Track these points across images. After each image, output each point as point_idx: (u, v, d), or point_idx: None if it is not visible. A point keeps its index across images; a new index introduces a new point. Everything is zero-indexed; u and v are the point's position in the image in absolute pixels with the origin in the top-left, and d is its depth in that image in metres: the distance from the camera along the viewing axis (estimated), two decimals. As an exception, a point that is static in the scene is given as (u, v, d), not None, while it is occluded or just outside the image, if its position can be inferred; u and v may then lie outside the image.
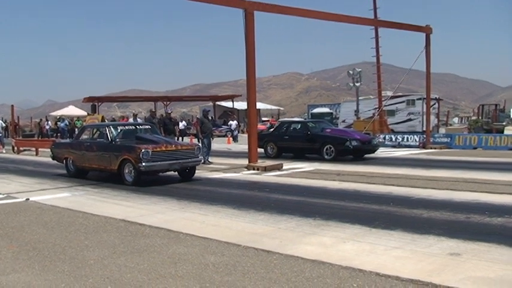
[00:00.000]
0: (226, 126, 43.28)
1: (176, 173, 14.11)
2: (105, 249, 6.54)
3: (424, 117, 31.61)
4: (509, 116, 37.19)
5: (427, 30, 24.83)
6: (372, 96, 38.49)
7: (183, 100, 70.92)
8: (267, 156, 20.25)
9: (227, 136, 38.15)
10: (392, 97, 34.72)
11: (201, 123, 18.98)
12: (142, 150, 12.47)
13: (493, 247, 6.13)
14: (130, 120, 22.25)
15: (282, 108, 78.91)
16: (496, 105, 39.28)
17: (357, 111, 35.03)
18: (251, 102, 16.93)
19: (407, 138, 26.87)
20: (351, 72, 34.37)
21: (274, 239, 6.90)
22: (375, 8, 30.74)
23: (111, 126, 14.30)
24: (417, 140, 26.27)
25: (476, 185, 11.45)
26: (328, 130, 20.15)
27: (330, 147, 18.56)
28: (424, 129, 30.42)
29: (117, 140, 13.73)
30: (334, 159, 18.16)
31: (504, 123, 32.22)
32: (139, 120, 22.22)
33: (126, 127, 14.86)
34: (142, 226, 7.94)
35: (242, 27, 16.56)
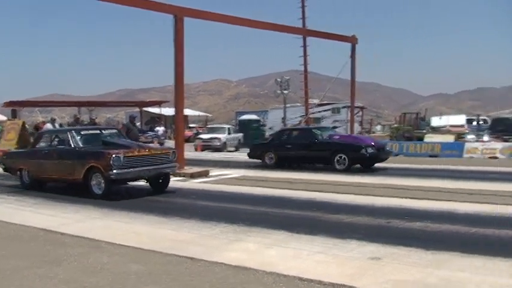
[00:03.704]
0: (152, 132, 42.57)
1: (144, 182, 12.74)
2: (23, 259, 6.29)
3: (349, 124, 32.48)
4: (430, 124, 38.79)
5: (352, 40, 25.55)
6: (299, 104, 39.13)
7: (108, 105, 69.35)
8: (264, 166, 18.64)
9: (153, 142, 37.52)
10: (318, 105, 35.49)
11: (127, 130, 18.59)
12: (113, 156, 11.04)
13: (412, 251, 6.33)
14: (48, 125, 21.30)
15: (210, 115, 78.84)
16: (417, 113, 40.87)
17: (284, 119, 35.53)
18: (179, 109, 16.81)
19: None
20: (279, 79, 34.90)
21: (198, 246, 6.87)
22: (304, 18, 31.43)
23: (73, 131, 12.84)
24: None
25: (397, 191, 11.77)
26: (337, 137, 19.01)
27: (342, 156, 16.71)
28: (349, 136, 31.19)
29: (81, 145, 12.25)
30: (347, 170, 16.38)
31: (424, 131, 33.55)
32: (57, 126, 21.31)
33: (90, 131, 13.38)
34: (63, 235, 7.70)
35: (171, 32, 16.42)
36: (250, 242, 7.00)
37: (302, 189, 12.34)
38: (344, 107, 36.80)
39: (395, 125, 39.15)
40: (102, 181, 11.35)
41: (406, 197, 10.78)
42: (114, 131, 14.03)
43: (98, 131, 13.46)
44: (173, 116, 18.99)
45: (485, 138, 27.06)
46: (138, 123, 41.35)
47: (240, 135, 34.01)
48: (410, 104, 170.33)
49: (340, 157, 16.71)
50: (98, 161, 11.31)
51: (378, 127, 56.18)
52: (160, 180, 12.62)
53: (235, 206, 10.40)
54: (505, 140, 26.14)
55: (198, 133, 39.03)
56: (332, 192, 11.81)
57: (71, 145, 12.25)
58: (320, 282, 5.16)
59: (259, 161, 19.29)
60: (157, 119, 45.52)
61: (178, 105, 16.75)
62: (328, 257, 6.17)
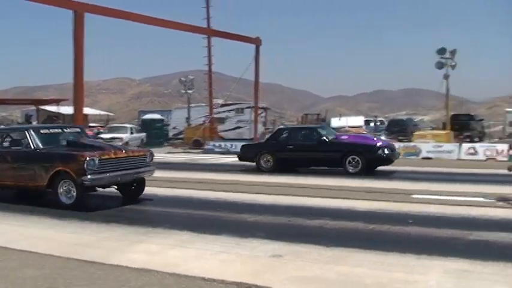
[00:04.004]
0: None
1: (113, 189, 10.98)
2: None
3: (252, 125, 32.96)
4: (330, 124, 40.25)
5: (256, 42, 25.96)
6: (203, 104, 39.12)
7: (2, 103, 65.89)
8: (259, 170, 16.58)
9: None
10: (222, 105, 35.70)
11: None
12: (87, 159, 9.42)
13: (312, 248, 6.50)
14: None
15: (111, 114, 76.84)
16: (318, 114, 42.29)
17: (188, 118, 35.39)
18: (78, 107, 16.28)
19: (236, 145, 27.66)
20: (183, 79, 34.79)
21: (98, 249, 6.68)
22: (208, 18, 31.44)
23: (31, 130, 10.88)
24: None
25: (298, 190, 12.06)
26: (345, 137, 17.58)
27: (355, 158, 15.20)
28: (252, 136, 31.70)
29: (42, 146, 10.46)
30: (358, 173, 14.95)
31: (325, 132, 34.75)
32: None
33: (51, 130, 11.43)
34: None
35: (71, 29, 15.88)
36: (152, 243, 6.90)
37: (208, 189, 12.30)
38: (248, 108, 37.18)
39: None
40: (73, 189, 9.79)
41: (306, 196, 11.04)
42: (77, 129, 12.31)
43: (60, 130, 11.66)
44: (72, 114, 18.30)
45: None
46: (34, 122, 39.68)
47: (143, 134, 33.51)
48: (311, 105, 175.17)
49: (353, 159, 15.27)
50: (67, 165, 9.74)
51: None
52: (133, 186, 11.18)
53: (138, 207, 10.24)
54: (400, 140, 27.58)
55: (98, 133, 37.84)
56: (236, 191, 11.89)
57: (30, 146, 10.49)
58: (223, 282, 5.18)
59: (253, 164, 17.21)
60: (55, 117, 43.83)
61: (78, 104, 16.24)
62: (232, 256, 6.22)
